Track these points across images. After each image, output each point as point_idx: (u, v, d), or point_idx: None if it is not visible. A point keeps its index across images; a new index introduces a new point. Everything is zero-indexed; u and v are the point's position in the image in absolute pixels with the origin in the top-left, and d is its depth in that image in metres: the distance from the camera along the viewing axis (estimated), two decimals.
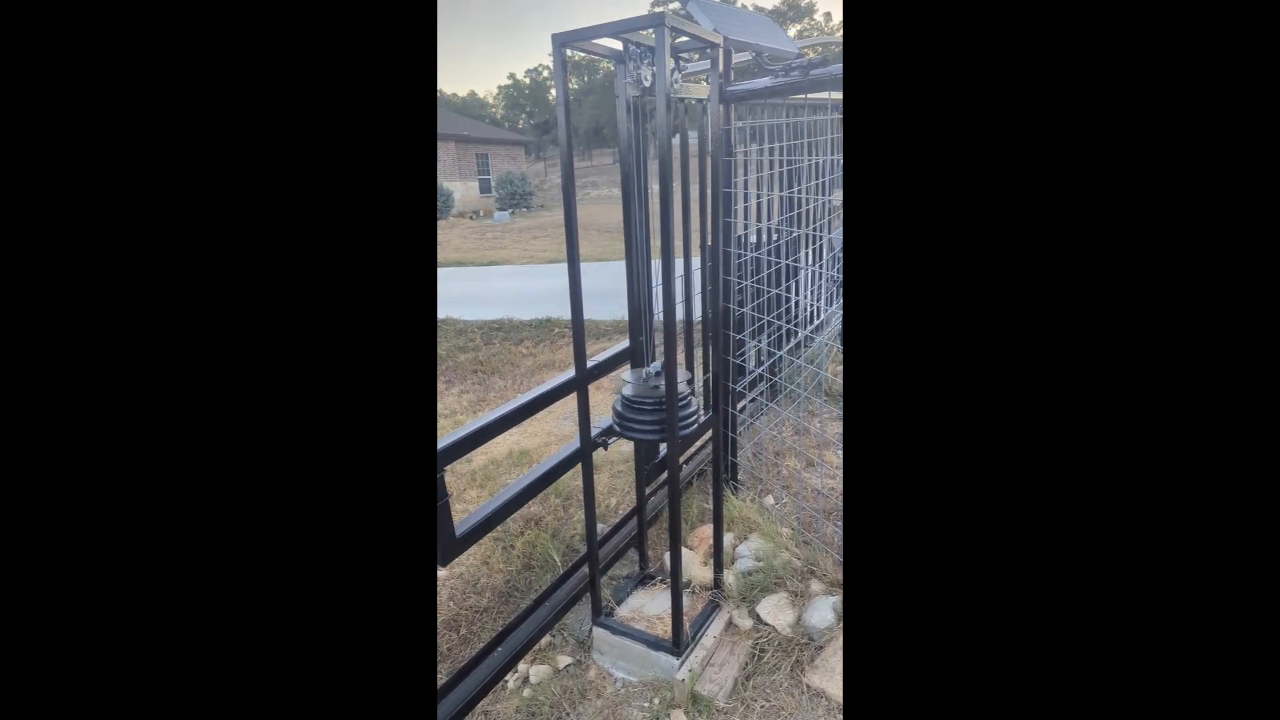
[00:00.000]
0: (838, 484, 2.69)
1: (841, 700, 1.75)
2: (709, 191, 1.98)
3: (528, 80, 49.62)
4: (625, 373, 1.84)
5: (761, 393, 3.27)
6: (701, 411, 1.81)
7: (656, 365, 1.79)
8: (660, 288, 1.64)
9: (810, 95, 2.77)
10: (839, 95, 3.51)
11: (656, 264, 1.67)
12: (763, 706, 1.77)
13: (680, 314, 2.25)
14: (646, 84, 1.55)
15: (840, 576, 2.11)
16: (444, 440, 1.54)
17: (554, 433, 3.66)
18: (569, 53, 1.57)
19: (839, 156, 3.61)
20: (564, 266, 1.66)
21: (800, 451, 2.97)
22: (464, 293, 8.03)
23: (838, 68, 1.76)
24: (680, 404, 1.68)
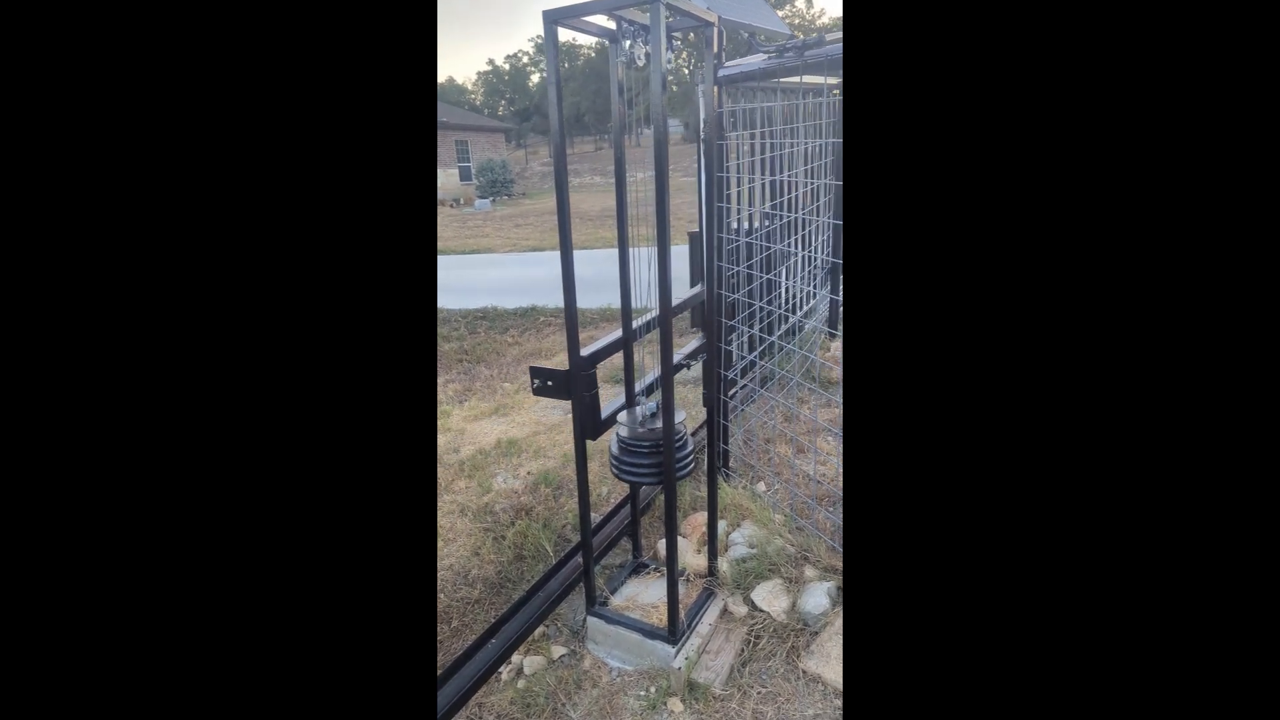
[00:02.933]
0: (829, 469, 2.70)
1: (837, 685, 1.76)
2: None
3: (507, 66, 48.94)
4: (620, 414, 1.85)
5: (752, 379, 3.26)
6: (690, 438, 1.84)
7: (652, 405, 1.78)
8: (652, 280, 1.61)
9: (805, 77, 2.74)
10: (833, 79, 3.49)
11: (644, 251, 1.64)
12: (759, 692, 1.77)
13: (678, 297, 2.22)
14: (640, 63, 1.52)
15: (835, 562, 2.11)
16: (591, 347, 1.77)
17: (542, 421, 3.62)
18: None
19: (833, 140, 3.59)
20: (548, 255, 1.65)
21: (791, 437, 2.97)
22: (447, 281, 7.92)
23: (833, 49, 1.74)
24: (676, 444, 1.71)
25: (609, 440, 1.84)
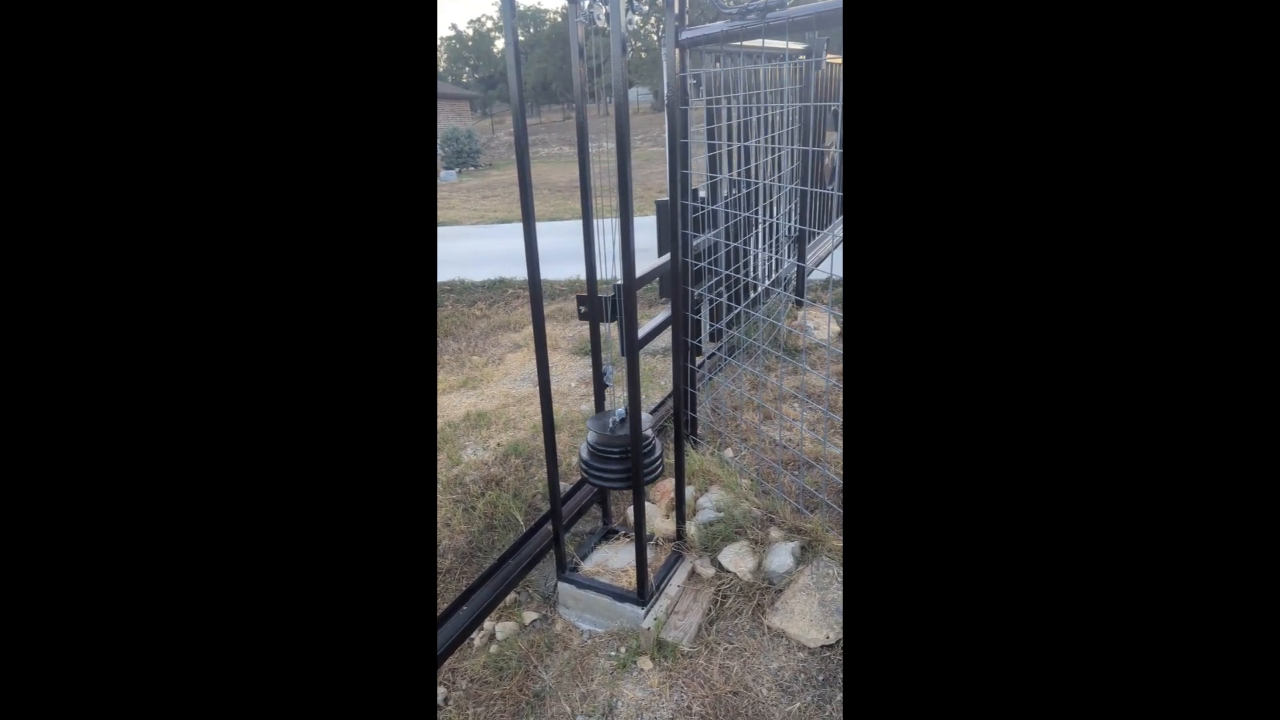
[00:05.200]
0: (795, 435, 2.76)
1: (800, 639, 1.82)
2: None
3: (471, 31, 47.38)
4: (590, 419, 1.91)
5: (720, 347, 3.29)
6: (657, 440, 1.91)
7: (620, 412, 1.84)
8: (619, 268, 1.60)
9: (767, 42, 2.72)
10: (796, 44, 3.46)
11: (609, 222, 1.64)
12: (726, 648, 1.83)
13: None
14: (600, 23, 1.49)
15: (799, 523, 2.17)
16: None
17: (510, 394, 3.61)
18: None
19: (798, 105, 3.58)
20: (516, 226, 1.63)
21: (759, 404, 3.02)
22: None
23: (795, 11, 1.73)
24: (645, 450, 1.79)
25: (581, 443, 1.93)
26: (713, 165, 2.92)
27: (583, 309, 1.90)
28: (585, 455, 1.87)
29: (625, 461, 1.80)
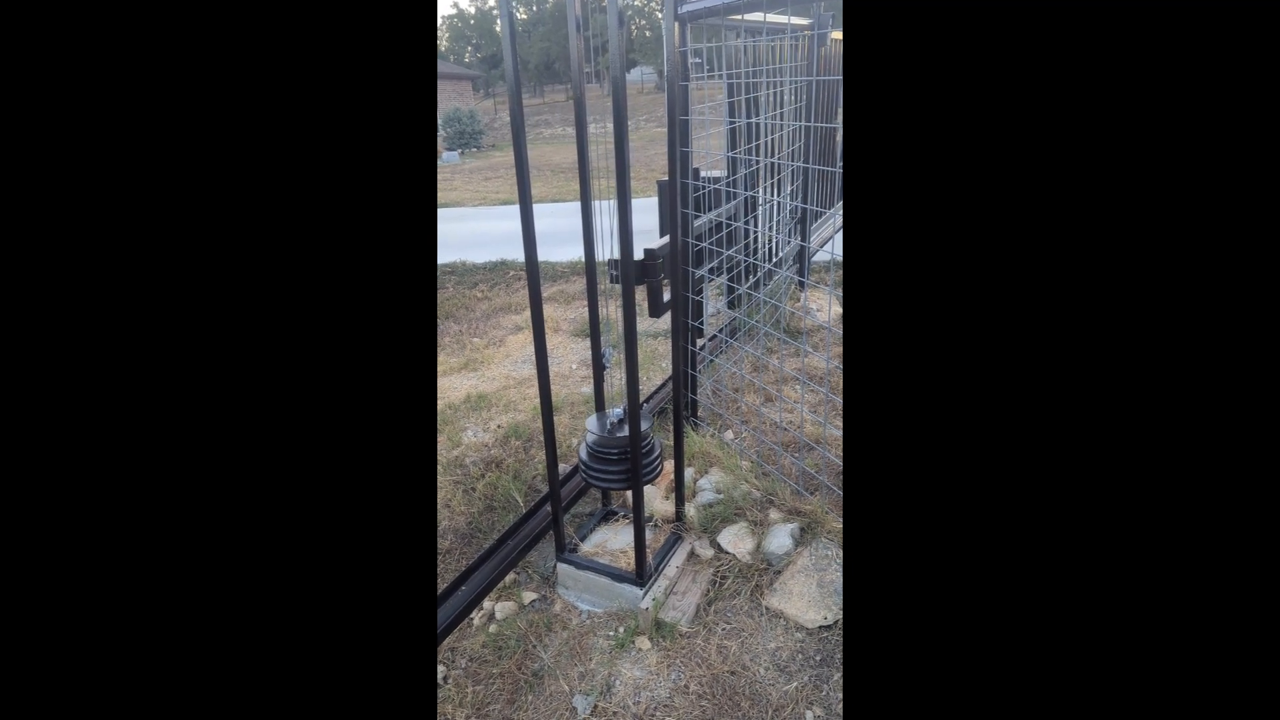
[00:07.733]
0: (795, 417, 2.75)
1: (798, 620, 1.83)
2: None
3: (473, 9, 46.74)
4: (590, 420, 1.91)
5: (722, 330, 3.27)
6: (657, 444, 1.92)
7: (618, 412, 1.85)
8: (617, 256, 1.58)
9: (770, 16, 2.66)
10: (799, 19, 3.40)
11: (610, 204, 1.61)
12: (724, 629, 1.83)
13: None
14: None
15: (798, 505, 2.17)
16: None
17: (511, 376, 3.61)
18: None
19: (802, 81, 3.52)
20: (518, 208, 1.59)
21: (760, 387, 3.00)
22: None
23: None
24: (644, 450, 1.80)
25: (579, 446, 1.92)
26: (725, 142, 2.87)
27: (613, 273, 1.89)
28: (584, 456, 1.87)
29: (624, 462, 1.81)
